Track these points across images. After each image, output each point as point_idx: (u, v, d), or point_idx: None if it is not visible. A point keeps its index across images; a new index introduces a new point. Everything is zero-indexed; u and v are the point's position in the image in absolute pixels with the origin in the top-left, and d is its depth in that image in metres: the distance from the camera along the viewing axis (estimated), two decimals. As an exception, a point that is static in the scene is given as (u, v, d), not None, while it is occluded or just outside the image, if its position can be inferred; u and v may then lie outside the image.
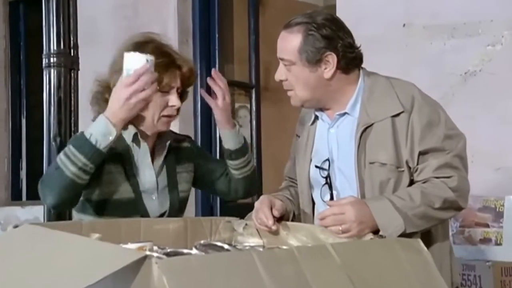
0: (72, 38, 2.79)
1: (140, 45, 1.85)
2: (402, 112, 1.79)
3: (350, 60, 1.83)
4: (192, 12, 3.95)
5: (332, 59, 1.80)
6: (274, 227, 1.78)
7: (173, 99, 1.88)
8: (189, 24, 3.95)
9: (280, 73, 1.85)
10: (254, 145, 4.16)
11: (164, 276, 1.10)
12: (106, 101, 1.84)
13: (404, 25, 3.04)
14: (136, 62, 1.72)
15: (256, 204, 1.83)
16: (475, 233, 2.40)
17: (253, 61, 4.16)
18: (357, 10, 3.15)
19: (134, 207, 1.86)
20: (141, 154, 1.90)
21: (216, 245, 1.58)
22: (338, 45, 1.81)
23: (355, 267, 1.32)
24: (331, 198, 1.84)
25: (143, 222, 1.76)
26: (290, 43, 1.81)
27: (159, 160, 1.94)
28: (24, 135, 5.06)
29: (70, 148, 1.73)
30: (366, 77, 1.87)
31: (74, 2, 2.91)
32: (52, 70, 3.04)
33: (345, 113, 1.85)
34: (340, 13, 3.18)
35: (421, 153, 1.77)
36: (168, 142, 1.95)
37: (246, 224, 1.87)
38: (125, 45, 1.87)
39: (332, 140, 1.87)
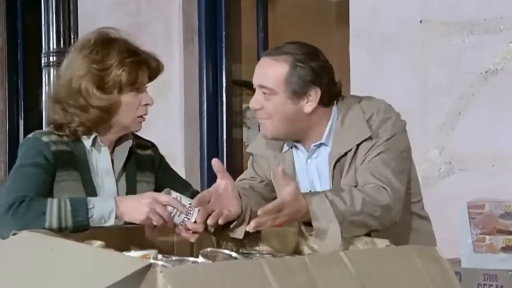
0: (72, 36, 2.81)
1: (108, 43, 1.83)
2: (369, 137, 1.82)
3: (332, 95, 1.88)
4: (198, 9, 3.96)
5: (315, 93, 1.84)
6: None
7: (146, 97, 1.86)
8: (195, 21, 3.96)
9: (256, 101, 1.86)
10: (263, 148, 4.16)
11: (169, 286, 1.10)
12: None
13: (421, 21, 3.03)
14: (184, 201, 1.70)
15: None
16: (496, 240, 2.39)
17: (262, 59, 4.16)
18: (371, 6, 3.14)
19: None
20: (100, 159, 1.86)
21: (223, 253, 1.58)
22: (323, 79, 1.84)
23: (370, 276, 1.32)
24: None
25: (147, 228, 1.75)
26: (275, 71, 1.82)
27: (119, 166, 1.90)
28: (22, 138, 5.08)
29: (66, 205, 1.66)
30: (341, 105, 1.90)
31: (75, -2, 2.93)
32: (51, 70, 3.06)
33: (321, 144, 1.89)
34: (353, 9, 3.17)
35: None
36: (130, 146, 1.92)
37: (255, 232, 1.88)
38: (87, 45, 1.84)
39: (312, 171, 1.90)
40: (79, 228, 1.66)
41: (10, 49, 5.09)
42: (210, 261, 1.48)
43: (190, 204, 1.70)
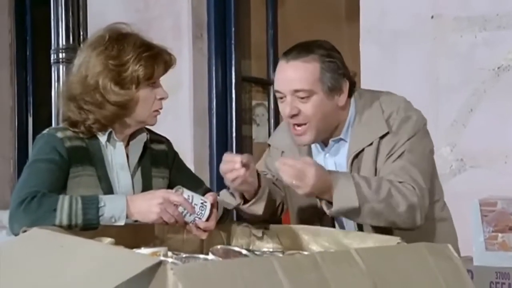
0: (81, 33, 2.81)
1: (123, 38, 1.84)
2: (387, 133, 1.83)
3: (354, 85, 1.90)
4: (207, 5, 3.95)
5: (345, 85, 1.86)
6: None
7: (161, 91, 1.88)
8: (204, 17, 3.96)
9: (292, 108, 1.83)
10: (272, 145, 4.15)
11: (180, 283, 1.10)
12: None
13: (432, 16, 3.02)
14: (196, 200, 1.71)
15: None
16: (509, 238, 2.38)
17: (271, 56, 4.15)
18: (382, 1, 3.13)
19: None
20: (116, 154, 1.87)
21: (233, 250, 1.58)
22: (347, 71, 1.87)
23: (382, 274, 1.32)
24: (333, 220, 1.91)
25: (157, 225, 1.76)
26: (308, 72, 1.82)
27: (134, 161, 1.92)
28: (30, 134, 5.09)
29: (77, 202, 1.66)
30: (358, 100, 1.91)
31: (84, -6, 2.94)
32: (60, 66, 3.07)
33: (340, 139, 1.90)
34: (364, 5, 3.16)
35: None
36: (144, 141, 1.93)
37: (265, 228, 1.88)
38: (101, 42, 1.84)
39: (330, 167, 1.89)
40: (89, 226, 1.66)
41: (19, 45, 5.09)
42: (220, 259, 1.48)
43: (202, 202, 1.70)
